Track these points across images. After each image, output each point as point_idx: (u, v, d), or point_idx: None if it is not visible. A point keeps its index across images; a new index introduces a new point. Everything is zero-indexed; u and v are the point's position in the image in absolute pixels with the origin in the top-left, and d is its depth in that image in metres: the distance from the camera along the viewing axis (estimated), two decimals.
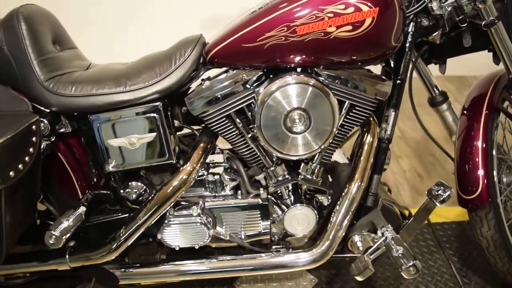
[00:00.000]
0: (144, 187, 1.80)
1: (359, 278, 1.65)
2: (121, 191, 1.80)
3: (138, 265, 1.81)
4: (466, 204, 1.78)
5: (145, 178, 1.82)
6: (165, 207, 1.72)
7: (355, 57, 1.55)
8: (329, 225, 1.74)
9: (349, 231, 1.76)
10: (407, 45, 1.65)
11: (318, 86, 1.56)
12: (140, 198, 1.80)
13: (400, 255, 1.58)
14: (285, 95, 1.56)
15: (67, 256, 1.76)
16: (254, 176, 1.82)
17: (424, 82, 1.95)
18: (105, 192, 1.82)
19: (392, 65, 1.71)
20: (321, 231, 1.78)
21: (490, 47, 1.77)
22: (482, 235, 1.82)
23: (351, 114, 1.69)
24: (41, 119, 1.61)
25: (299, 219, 1.74)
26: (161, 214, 1.73)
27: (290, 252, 1.77)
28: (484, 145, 1.77)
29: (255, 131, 1.66)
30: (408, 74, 1.71)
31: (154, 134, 1.68)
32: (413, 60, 1.76)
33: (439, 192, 1.64)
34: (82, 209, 1.72)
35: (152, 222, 1.74)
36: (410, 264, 1.54)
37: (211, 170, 1.83)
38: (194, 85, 1.73)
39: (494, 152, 1.80)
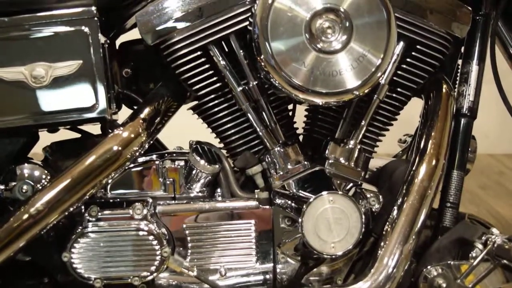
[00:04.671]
0: (44, 178, 1.00)
1: None
2: (2, 186, 1.00)
3: None
4: None
5: (48, 164, 1.03)
6: (73, 199, 0.93)
7: None
8: (380, 251, 0.96)
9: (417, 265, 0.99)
10: None
11: None
12: None
13: None
14: None
15: None
16: (245, 170, 1.06)
17: (508, 54, 1.31)
18: None
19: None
20: (367, 263, 0.98)
21: None
22: None
23: (409, 60, 1.04)
24: None
25: (331, 219, 0.93)
26: (65, 213, 0.94)
27: None
28: None
29: (250, 83, 0.99)
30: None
31: (79, 62, 0.96)
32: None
33: None
34: None
35: (48, 227, 0.93)
36: None
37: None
38: None
39: None
